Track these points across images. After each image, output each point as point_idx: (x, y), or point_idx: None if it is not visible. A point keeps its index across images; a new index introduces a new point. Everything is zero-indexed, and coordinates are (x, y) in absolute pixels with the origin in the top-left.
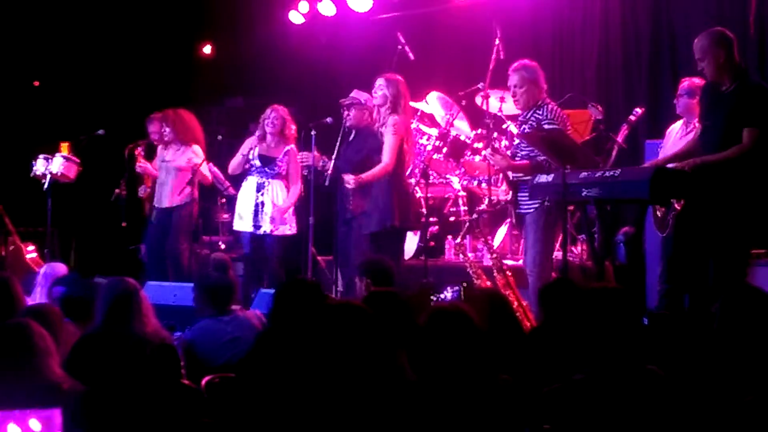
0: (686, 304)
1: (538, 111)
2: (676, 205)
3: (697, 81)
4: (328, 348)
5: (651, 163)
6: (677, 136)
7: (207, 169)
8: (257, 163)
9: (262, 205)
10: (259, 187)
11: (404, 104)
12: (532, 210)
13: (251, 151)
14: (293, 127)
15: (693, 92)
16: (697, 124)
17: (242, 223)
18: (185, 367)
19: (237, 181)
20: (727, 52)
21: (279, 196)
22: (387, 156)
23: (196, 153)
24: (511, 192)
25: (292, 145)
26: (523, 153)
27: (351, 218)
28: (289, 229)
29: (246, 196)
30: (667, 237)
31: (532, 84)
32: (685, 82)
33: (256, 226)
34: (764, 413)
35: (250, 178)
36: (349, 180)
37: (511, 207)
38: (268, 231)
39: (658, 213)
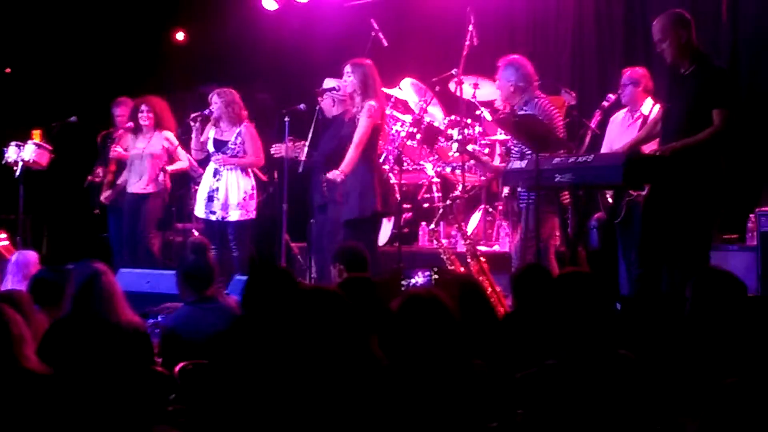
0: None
1: (525, 107)
2: (632, 192)
3: (640, 70)
4: (301, 333)
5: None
6: (624, 125)
7: (184, 155)
8: (210, 148)
9: (216, 191)
10: (215, 173)
11: (376, 88)
12: (530, 202)
13: (207, 137)
14: (243, 111)
15: (636, 81)
16: (643, 112)
17: (198, 208)
18: (164, 353)
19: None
20: (688, 33)
21: (234, 184)
22: (356, 137)
23: (170, 139)
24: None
25: (245, 123)
26: (516, 149)
27: (325, 204)
28: (245, 214)
29: (204, 181)
30: (621, 223)
31: (506, 81)
32: (627, 72)
33: (210, 212)
34: (745, 396)
35: (210, 164)
36: (336, 177)
37: (512, 201)
38: (219, 218)
39: (609, 199)
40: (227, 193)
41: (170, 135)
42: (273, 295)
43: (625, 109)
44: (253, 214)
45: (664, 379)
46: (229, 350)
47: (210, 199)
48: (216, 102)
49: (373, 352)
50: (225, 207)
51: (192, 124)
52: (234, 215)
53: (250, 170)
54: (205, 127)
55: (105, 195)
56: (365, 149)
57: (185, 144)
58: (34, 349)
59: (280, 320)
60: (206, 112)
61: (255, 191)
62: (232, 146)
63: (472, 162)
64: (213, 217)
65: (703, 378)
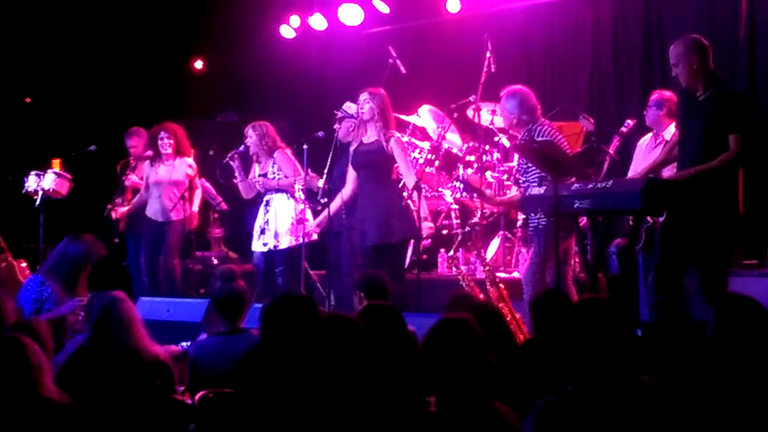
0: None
1: (527, 136)
2: (648, 219)
3: (667, 93)
4: (319, 361)
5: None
6: (648, 149)
7: (198, 182)
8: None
9: (267, 223)
10: (266, 204)
11: (390, 116)
12: (536, 226)
13: (254, 175)
14: (277, 141)
15: (661, 104)
16: (665, 137)
17: (254, 243)
18: (190, 383)
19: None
20: (701, 58)
21: (281, 212)
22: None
23: (192, 166)
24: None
25: (278, 150)
26: (524, 178)
27: (340, 231)
28: (294, 240)
29: (258, 216)
30: (642, 249)
31: (509, 113)
32: (655, 94)
33: (263, 244)
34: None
35: (263, 199)
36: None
37: (523, 228)
38: (272, 246)
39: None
40: (276, 221)
41: (192, 162)
42: (291, 324)
43: (650, 134)
44: (302, 239)
45: (685, 406)
46: (247, 379)
47: (262, 231)
48: (251, 136)
49: (392, 379)
50: (276, 236)
51: (231, 163)
52: (284, 242)
53: (297, 195)
54: (245, 163)
55: (123, 225)
56: (388, 176)
57: (203, 172)
58: (52, 377)
59: (298, 348)
60: (241, 148)
61: (304, 215)
62: (272, 176)
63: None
64: (265, 248)
65: (725, 404)
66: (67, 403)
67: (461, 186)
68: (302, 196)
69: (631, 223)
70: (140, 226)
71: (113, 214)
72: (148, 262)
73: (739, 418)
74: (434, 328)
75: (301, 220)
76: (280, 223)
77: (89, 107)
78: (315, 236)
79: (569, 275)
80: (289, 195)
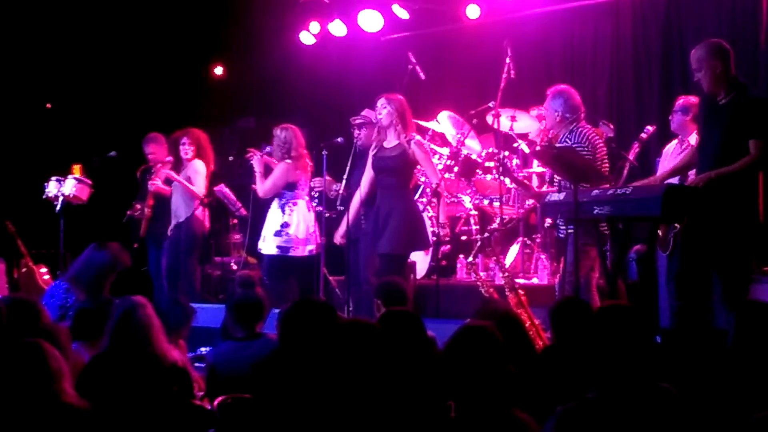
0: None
1: (569, 136)
2: (676, 225)
3: (693, 99)
4: (337, 367)
5: (648, 180)
6: (674, 155)
7: (202, 185)
8: None
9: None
10: None
11: (409, 119)
12: (568, 232)
13: None
14: (291, 150)
15: (687, 109)
16: (690, 142)
17: None
18: (208, 388)
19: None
20: (724, 63)
21: (270, 217)
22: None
23: (196, 169)
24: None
25: (287, 161)
26: (558, 177)
27: (359, 238)
28: (269, 248)
29: None
30: (670, 255)
31: (553, 110)
32: (680, 100)
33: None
34: None
35: None
36: None
37: (552, 232)
38: (259, 249)
39: (659, 232)
40: (265, 225)
41: (198, 165)
42: (309, 330)
43: (676, 140)
44: (276, 251)
45: (705, 414)
46: (266, 384)
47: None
48: (273, 141)
49: (412, 385)
50: (262, 238)
51: (251, 161)
52: (265, 248)
53: (288, 208)
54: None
55: (144, 229)
56: (407, 184)
57: (223, 178)
58: (72, 383)
59: (317, 353)
60: (267, 149)
61: (287, 228)
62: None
63: (514, 185)
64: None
65: (745, 412)
66: (86, 409)
67: (501, 170)
68: (304, 204)
69: (659, 232)
70: (162, 231)
71: (136, 213)
72: (169, 266)
73: (749, 426)
74: (456, 334)
75: (280, 233)
76: (266, 228)
77: (110, 113)
78: (306, 251)
79: (593, 282)
80: (279, 204)
